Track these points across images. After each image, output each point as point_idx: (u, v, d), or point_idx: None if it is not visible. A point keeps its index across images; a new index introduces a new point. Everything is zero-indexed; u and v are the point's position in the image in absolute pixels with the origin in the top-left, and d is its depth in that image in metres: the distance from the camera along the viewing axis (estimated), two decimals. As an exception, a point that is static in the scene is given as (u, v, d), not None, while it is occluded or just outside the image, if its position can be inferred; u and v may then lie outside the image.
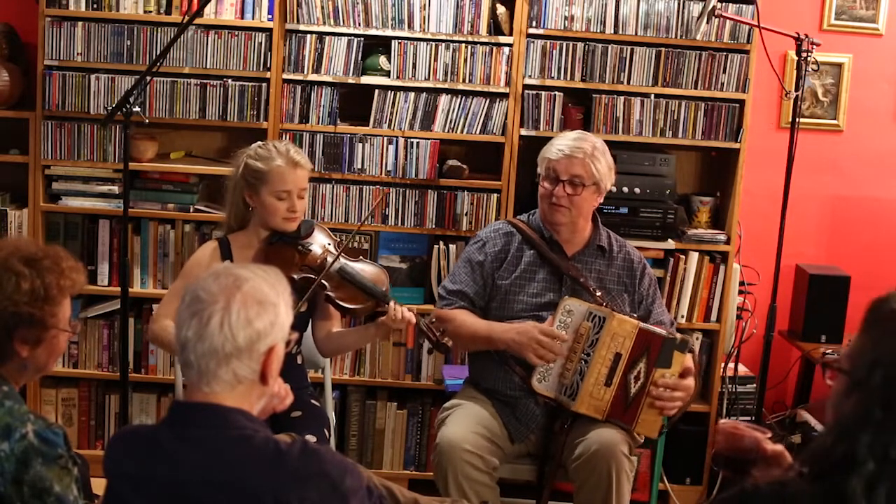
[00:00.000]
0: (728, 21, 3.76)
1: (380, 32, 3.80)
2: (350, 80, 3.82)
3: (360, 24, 3.78)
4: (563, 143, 3.16)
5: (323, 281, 2.97)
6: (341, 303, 2.99)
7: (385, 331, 3.00)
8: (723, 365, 3.99)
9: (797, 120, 3.53)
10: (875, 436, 1.58)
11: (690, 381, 3.04)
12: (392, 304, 2.93)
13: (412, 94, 3.82)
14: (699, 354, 3.93)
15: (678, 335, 3.05)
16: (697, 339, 3.97)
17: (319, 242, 3.10)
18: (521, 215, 3.35)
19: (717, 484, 4.01)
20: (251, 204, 3.03)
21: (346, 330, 3.19)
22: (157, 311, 3.01)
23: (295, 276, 2.96)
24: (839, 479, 1.59)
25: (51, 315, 2.03)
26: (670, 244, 3.88)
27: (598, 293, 3.12)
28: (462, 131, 3.85)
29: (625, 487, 2.97)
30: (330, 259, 3.02)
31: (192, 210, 3.87)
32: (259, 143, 3.10)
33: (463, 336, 3.17)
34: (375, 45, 3.85)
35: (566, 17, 3.79)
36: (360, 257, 3.14)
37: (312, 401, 3.10)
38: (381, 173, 3.85)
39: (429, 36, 3.79)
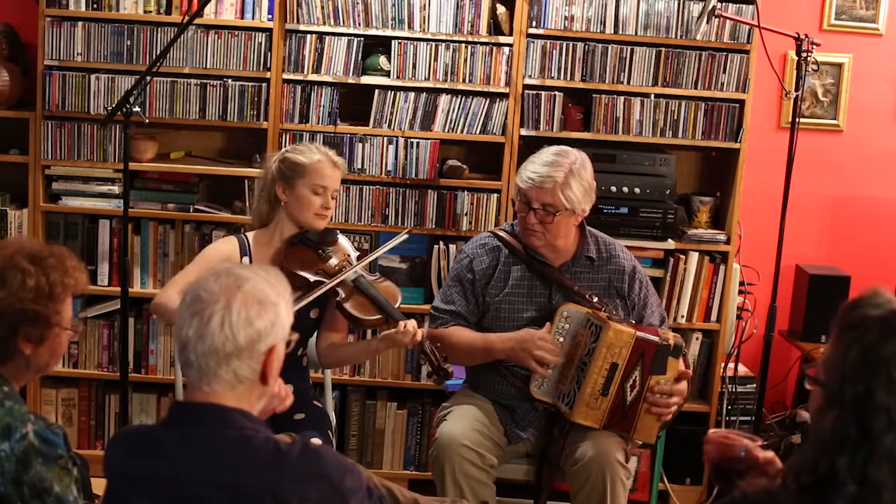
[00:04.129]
0: (728, 21, 3.76)
1: (380, 32, 3.80)
2: (350, 80, 3.82)
3: (360, 24, 3.78)
4: (533, 171, 3.02)
5: (337, 288, 2.96)
6: (350, 310, 2.95)
7: (389, 344, 2.96)
8: (723, 365, 3.99)
9: (797, 120, 3.53)
10: (853, 458, 1.57)
11: (684, 385, 3.01)
12: (402, 321, 2.90)
13: (412, 94, 3.82)
14: (697, 356, 3.94)
15: (671, 340, 2.99)
16: (697, 339, 3.98)
17: (341, 251, 3.08)
18: (505, 225, 3.29)
19: (715, 486, 4.01)
20: (283, 198, 3.02)
21: (349, 342, 3.18)
22: (165, 287, 2.98)
23: (311, 278, 2.94)
24: (825, 493, 1.58)
25: (55, 313, 2.03)
26: (670, 244, 3.88)
27: (595, 298, 3.09)
28: (462, 131, 3.85)
29: (620, 495, 2.95)
30: (347, 268, 3.00)
31: (192, 210, 3.87)
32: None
33: (460, 352, 3.12)
34: (375, 45, 3.85)
35: (566, 17, 3.80)
36: (379, 275, 3.12)
37: (315, 402, 3.09)
38: (381, 173, 3.85)
39: (429, 36, 3.79)
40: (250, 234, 3.08)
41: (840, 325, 1.66)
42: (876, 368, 1.58)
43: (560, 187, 3.00)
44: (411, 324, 2.89)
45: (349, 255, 3.08)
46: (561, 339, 3.02)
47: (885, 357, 1.59)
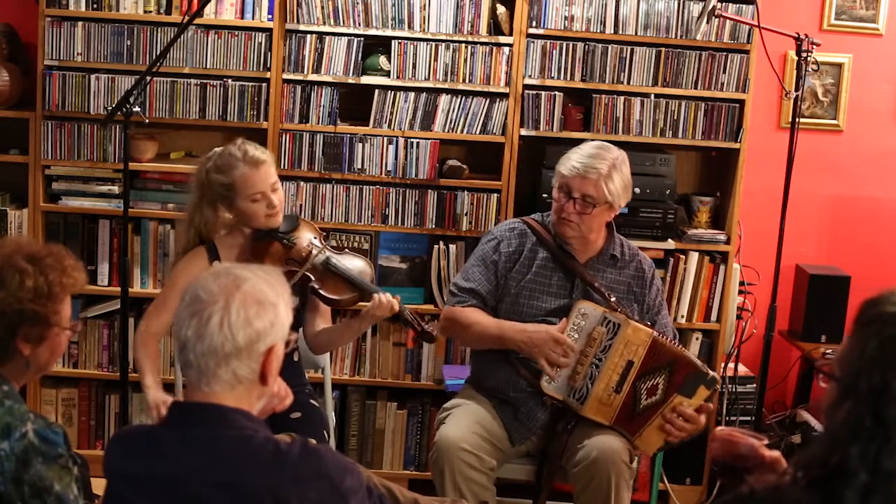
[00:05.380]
0: (728, 21, 3.76)
1: (380, 32, 3.80)
2: (350, 80, 3.82)
3: (360, 24, 3.78)
4: (579, 160, 3.07)
5: (307, 273, 2.97)
6: (325, 293, 2.99)
7: (369, 319, 2.98)
8: (723, 365, 3.99)
9: (797, 120, 3.53)
10: (866, 446, 1.56)
11: (703, 419, 3.00)
12: (376, 294, 2.93)
13: (412, 94, 3.82)
14: (697, 356, 3.92)
15: (709, 372, 3.00)
16: (697, 339, 3.98)
17: (305, 236, 3.08)
18: (535, 215, 3.30)
19: (716, 484, 4.01)
20: (232, 216, 3.01)
21: (334, 325, 3.18)
22: (146, 321, 2.97)
23: (281, 270, 2.95)
24: (834, 486, 1.57)
25: (54, 312, 2.03)
26: (670, 244, 3.88)
27: (613, 299, 3.09)
28: (462, 131, 3.85)
29: (624, 495, 2.95)
30: (315, 251, 3.02)
31: (192, 210, 3.86)
32: (216, 151, 3.00)
33: (473, 334, 3.14)
34: (375, 45, 3.85)
35: (566, 17, 3.79)
36: (346, 251, 3.14)
37: (311, 401, 3.09)
38: (381, 173, 3.85)
39: (429, 36, 3.79)
40: (217, 239, 3.04)
41: (858, 322, 1.66)
42: (893, 360, 1.58)
43: (604, 179, 3.04)
44: (385, 297, 2.92)
45: (313, 239, 3.08)
46: (575, 336, 3.01)
47: None
